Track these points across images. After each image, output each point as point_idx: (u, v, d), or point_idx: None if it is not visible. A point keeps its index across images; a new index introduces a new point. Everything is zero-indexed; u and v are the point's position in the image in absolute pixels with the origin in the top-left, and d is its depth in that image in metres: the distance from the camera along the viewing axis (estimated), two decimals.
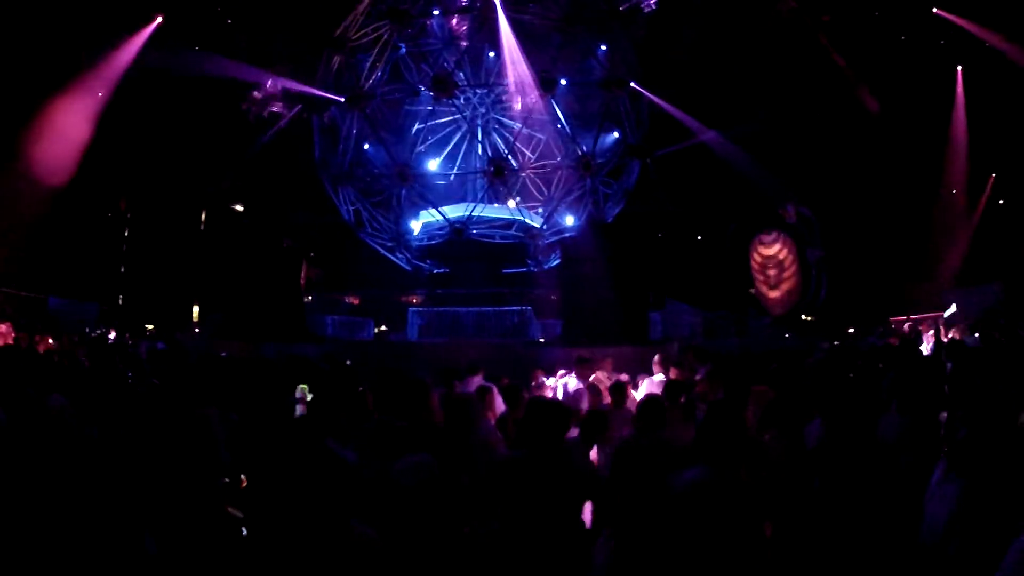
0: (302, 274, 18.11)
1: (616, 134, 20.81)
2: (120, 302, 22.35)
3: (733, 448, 3.50)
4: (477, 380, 7.52)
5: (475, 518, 3.85)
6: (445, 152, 21.40)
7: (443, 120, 20.91)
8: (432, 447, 4.05)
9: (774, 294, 21.78)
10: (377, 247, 21.15)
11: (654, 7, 19.57)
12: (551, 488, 3.71)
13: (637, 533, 3.37)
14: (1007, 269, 17.81)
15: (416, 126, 20.92)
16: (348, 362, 11.66)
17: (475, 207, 19.89)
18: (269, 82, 19.35)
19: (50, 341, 10.64)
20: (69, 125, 17.08)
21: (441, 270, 21.29)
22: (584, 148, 19.93)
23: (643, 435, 4.87)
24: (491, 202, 20.22)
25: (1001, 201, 20.97)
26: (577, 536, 3.82)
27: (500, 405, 6.69)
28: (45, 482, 3.57)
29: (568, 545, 3.68)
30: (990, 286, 17.20)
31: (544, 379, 8.47)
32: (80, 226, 20.51)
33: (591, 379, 7.93)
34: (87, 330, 16.68)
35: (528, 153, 21.26)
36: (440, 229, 20.55)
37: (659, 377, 8.06)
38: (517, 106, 19.99)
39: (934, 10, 18.39)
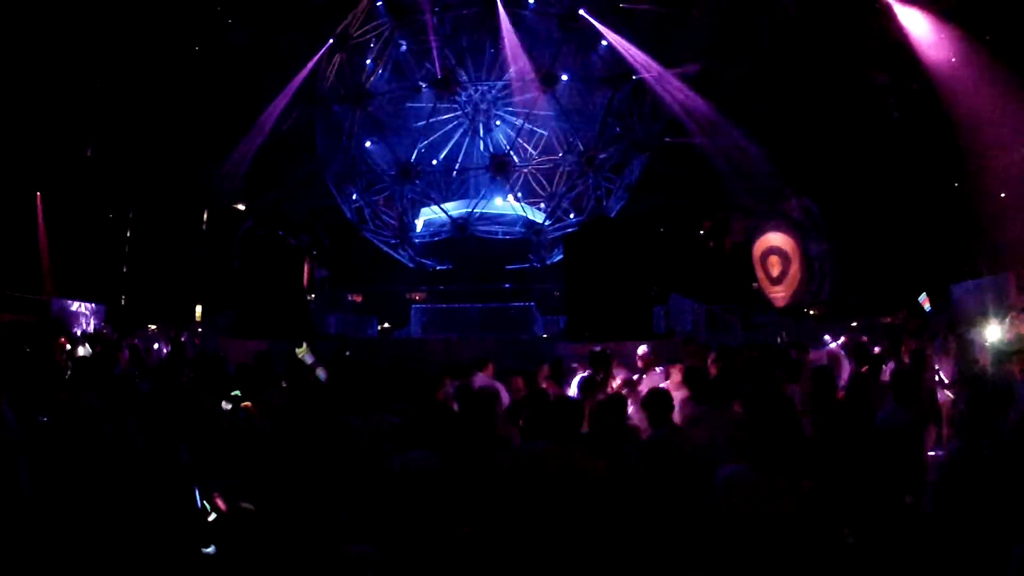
0: (305, 273, 18.08)
1: (618, 129, 20.75)
2: (122, 302, 22.34)
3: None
4: (482, 377, 7.51)
5: (488, 513, 3.82)
6: (447, 149, 21.37)
7: (445, 117, 20.87)
8: (441, 441, 4.04)
9: (777, 288, 21.72)
10: (380, 244, 21.14)
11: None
12: (573, 479, 3.69)
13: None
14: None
15: (418, 123, 20.89)
16: (348, 353, 11.66)
17: (478, 203, 19.87)
18: None
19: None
20: None
21: (444, 267, 21.26)
22: (586, 144, 19.88)
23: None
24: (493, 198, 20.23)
25: None
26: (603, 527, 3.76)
27: (505, 399, 6.71)
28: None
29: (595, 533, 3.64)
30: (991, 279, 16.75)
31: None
32: (82, 227, 20.52)
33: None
34: (94, 331, 16.65)
35: (530, 149, 21.22)
36: (443, 226, 20.54)
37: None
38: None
39: None
